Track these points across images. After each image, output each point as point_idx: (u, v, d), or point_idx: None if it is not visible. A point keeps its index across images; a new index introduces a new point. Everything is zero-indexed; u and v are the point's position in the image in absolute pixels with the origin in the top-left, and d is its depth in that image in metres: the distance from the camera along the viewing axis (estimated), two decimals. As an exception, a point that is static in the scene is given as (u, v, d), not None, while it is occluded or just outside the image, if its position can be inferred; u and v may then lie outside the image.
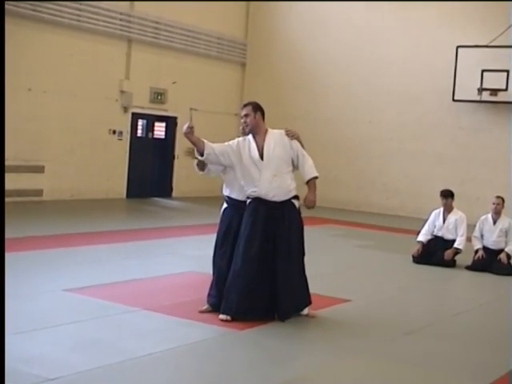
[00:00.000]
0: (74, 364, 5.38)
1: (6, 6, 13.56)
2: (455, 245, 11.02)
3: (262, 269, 6.93)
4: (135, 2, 17.55)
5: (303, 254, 7.26)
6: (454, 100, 17.62)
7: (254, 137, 7.09)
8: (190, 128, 6.84)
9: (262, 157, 7.00)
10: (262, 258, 6.93)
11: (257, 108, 7.10)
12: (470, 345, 6.90)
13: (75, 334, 6.17)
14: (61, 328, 6.30)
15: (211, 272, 7.37)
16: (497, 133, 17.51)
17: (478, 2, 17.51)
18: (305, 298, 7.26)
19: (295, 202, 7.11)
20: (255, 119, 7.05)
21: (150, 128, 18.74)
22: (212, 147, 6.97)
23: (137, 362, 5.56)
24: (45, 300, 7.21)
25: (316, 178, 7.07)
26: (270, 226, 6.96)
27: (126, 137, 17.79)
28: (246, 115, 7.05)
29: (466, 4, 17.71)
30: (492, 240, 11.06)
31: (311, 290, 7.31)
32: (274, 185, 6.97)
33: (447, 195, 11.29)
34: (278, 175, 6.97)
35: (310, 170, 7.08)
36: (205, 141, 6.98)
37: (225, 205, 7.46)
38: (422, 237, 11.33)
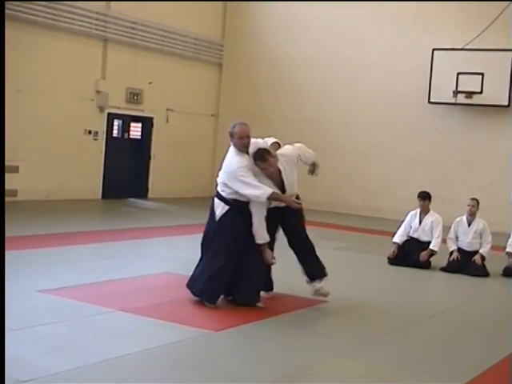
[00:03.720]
0: (48, 366, 5.34)
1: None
2: (430, 246, 11.07)
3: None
4: (111, 2, 17.48)
5: None
6: (429, 102, 17.72)
7: None
8: None
9: None
10: None
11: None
12: (445, 345, 6.94)
13: (50, 336, 6.13)
14: (35, 329, 6.25)
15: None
16: (472, 135, 17.64)
17: (454, 6, 17.62)
18: None
19: None
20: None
21: (125, 128, 18.65)
22: None
23: (112, 364, 5.53)
24: (19, 301, 7.14)
25: None
26: None
27: (102, 137, 17.70)
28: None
29: (443, 7, 17.82)
30: (467, 242, 11.13)
31: (288, 292, 7.32)
32: None
33: (425, 197, 11.34)
34: None
35: None
36: None
37: None
38: (398, 238, 11.37)
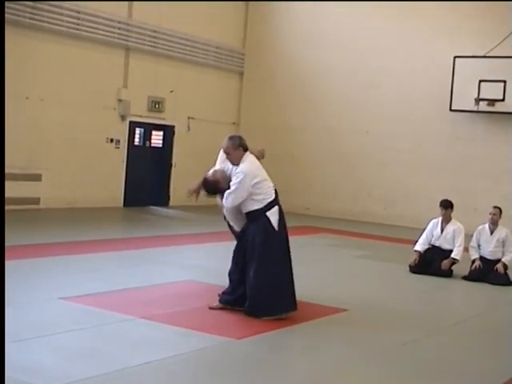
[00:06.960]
0: (70, 373, 5.35)
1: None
2: (452, 255, 11.01)
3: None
4: (134, 11, 17.56)
5: None
6: (451, 110, 17.64)
7: None
8: None
9: None
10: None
11: None
12: (469, 354, 6.90)
13: (72, 343, 6.15)
14: (57, 336, 6.28)
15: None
16: (494, 143, 17.54)
17: (475, 13, 17.58)
18: None
19: None
20: None
21: (147, 137, 18.74)
22: None
23: (133, 371, 5.54)
24: (41, 308, 7.19)
25: None
26: None
27: (124, 145, 17.79)
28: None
29: (464, 14, 17.76)
30: (489, 250, 11.06)
31: (308, 299, 7.31)
32: None
33: (447, 206, 11.27)
34: None
35: None
36: None
37: None
38: (419, 246, 11.31)
